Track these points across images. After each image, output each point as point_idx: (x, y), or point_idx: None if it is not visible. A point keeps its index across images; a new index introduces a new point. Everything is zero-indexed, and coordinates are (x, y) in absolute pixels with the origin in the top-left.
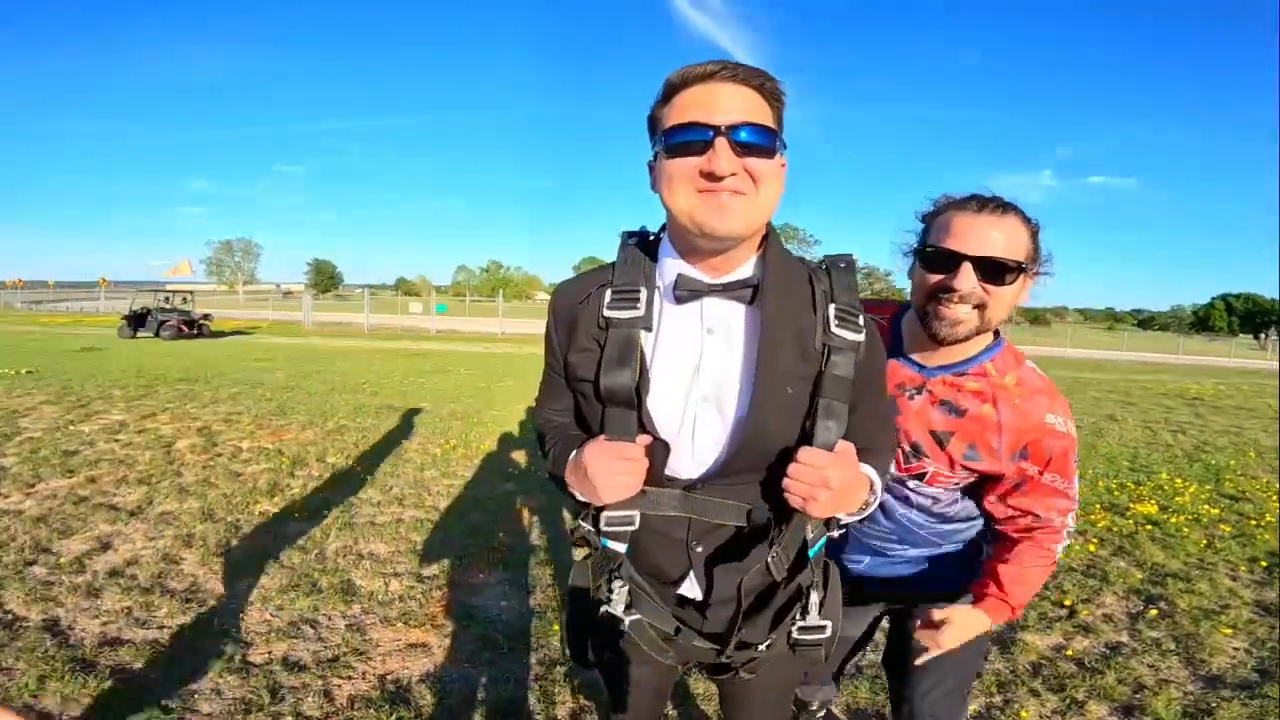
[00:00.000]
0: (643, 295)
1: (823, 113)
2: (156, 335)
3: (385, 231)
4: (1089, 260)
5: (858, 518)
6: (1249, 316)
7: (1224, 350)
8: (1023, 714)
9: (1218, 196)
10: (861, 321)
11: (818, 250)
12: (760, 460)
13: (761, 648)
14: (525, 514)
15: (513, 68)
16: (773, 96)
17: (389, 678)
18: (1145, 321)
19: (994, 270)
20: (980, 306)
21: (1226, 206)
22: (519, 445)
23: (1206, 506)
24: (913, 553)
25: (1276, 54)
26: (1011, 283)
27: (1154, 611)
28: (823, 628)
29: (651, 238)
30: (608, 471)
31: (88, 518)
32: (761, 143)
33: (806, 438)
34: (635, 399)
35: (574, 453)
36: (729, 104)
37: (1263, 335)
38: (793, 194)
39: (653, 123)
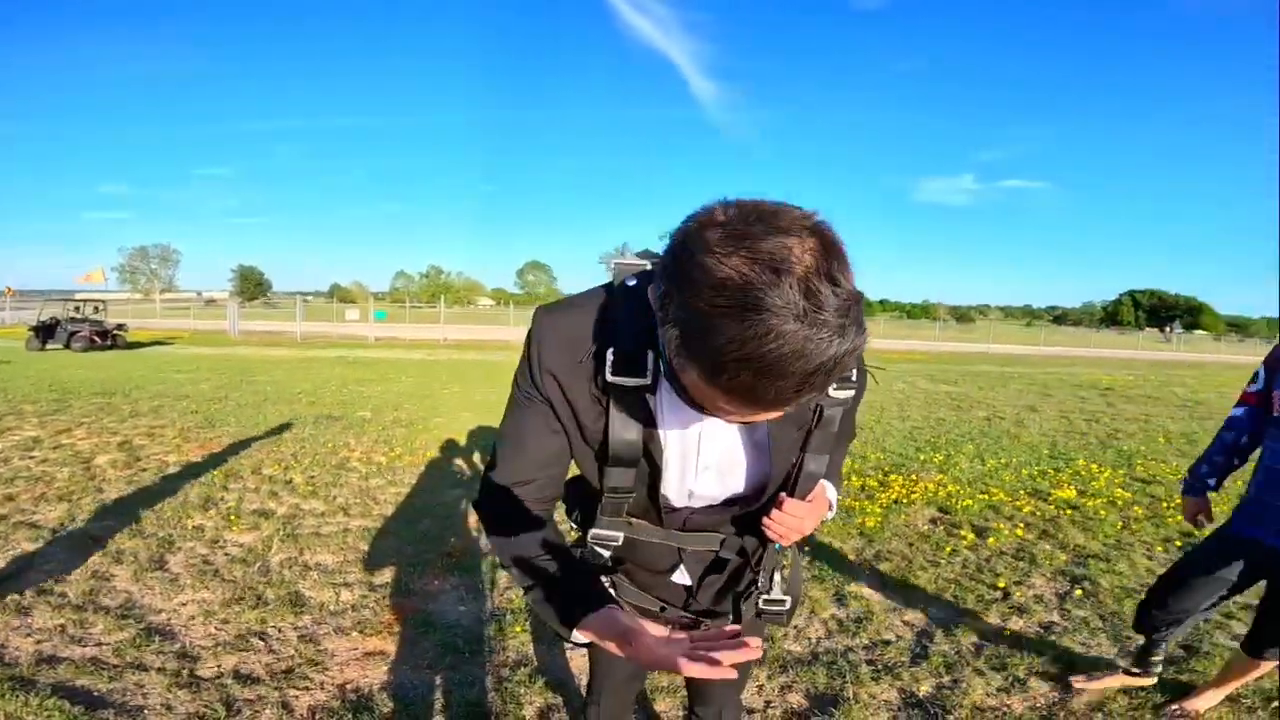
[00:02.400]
0: (649, 361)
1: (764, 118)
2: (67, 346)
3: (319, 237)
4: (1008, 260)
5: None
6: (1154, 311)
7: (1132, 343)
8: (972, 693)
9: (1122, 198)
10: (854, 377)
11: None
12: (753, 504)
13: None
14: (475, 519)
15: (453, 70)
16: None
17: (349, 687)
18: (1060, 318)
19: None
20: None
21: (1131, 207)
22: (466, 451)
23: (1120, 490)
24: None
25: None
26: None
27: (1079, 591)
28: (784, 601)
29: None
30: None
31: (8, 536)
32: None
33: (789, 482)
34: (639, 459)
35: (587, 614)
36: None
37: (1167, 328)
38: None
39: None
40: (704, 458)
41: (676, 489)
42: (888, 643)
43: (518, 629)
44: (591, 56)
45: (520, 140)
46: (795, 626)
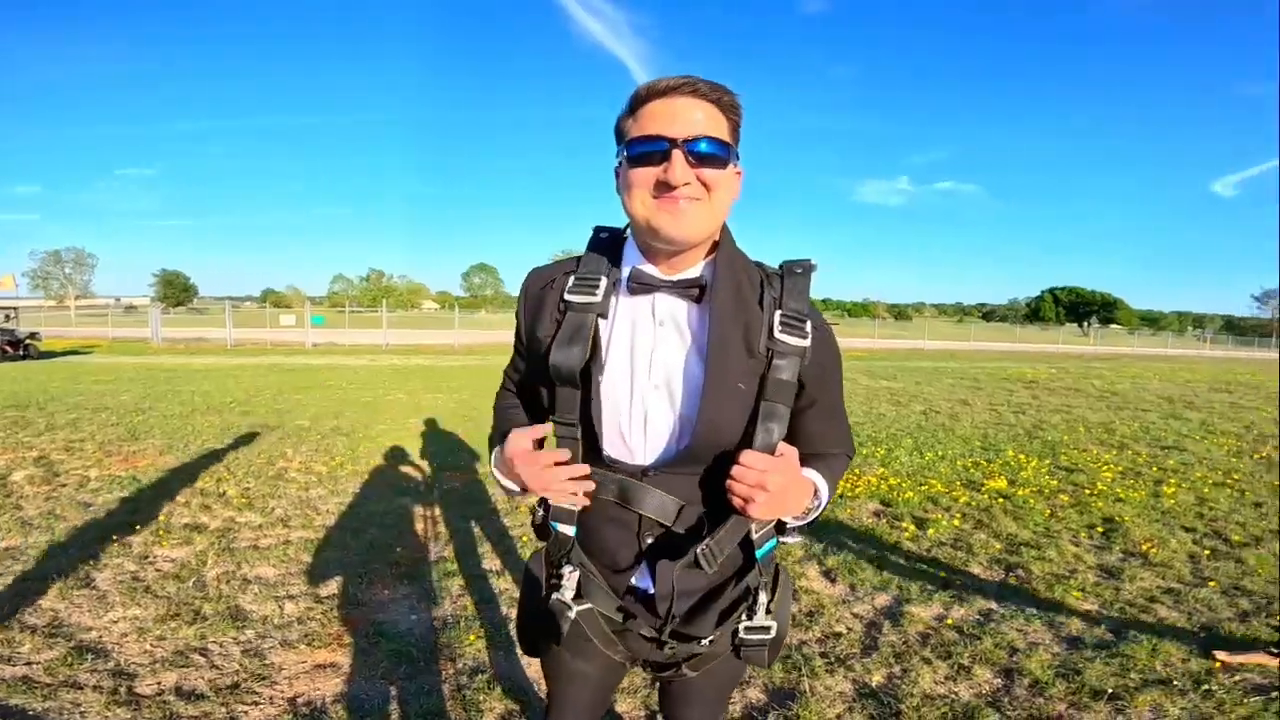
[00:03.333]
0: (602, 284)
1: None
2: None
3: (249, 240)
4: (941, 259)
5: (805, 522)
6: (1073, 307)
7: (1054, 338)
8: (920, 681)
9: (1046, 199)
10: (809, 327)
11: None
12: (709, 451)
13: (705, 642)
14: (424, 526)
15: (398, 70)
16: (730, 110)
17: (300, 700)
18: (988, 314)
19: None
20: None
21: (1053, 208)
22: (412, 459)
23: (1047, 479)
24: None
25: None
26: None
27: (1014, 579)
28: (768, 628)
29: (620, 235)
30: (531, 464)
31: None
32: (715, 154)
33: (748, 439)
34: (581, 380)
35: (499, 447)
36: (687, 118)
37: (1085, 323)
38: None
39: (618, 132)
40: (654, 375)
41: (630, 416)
42: (839, 635)
43: (472, 636)
44: (542, 57)
45: (467, 141)
46: None
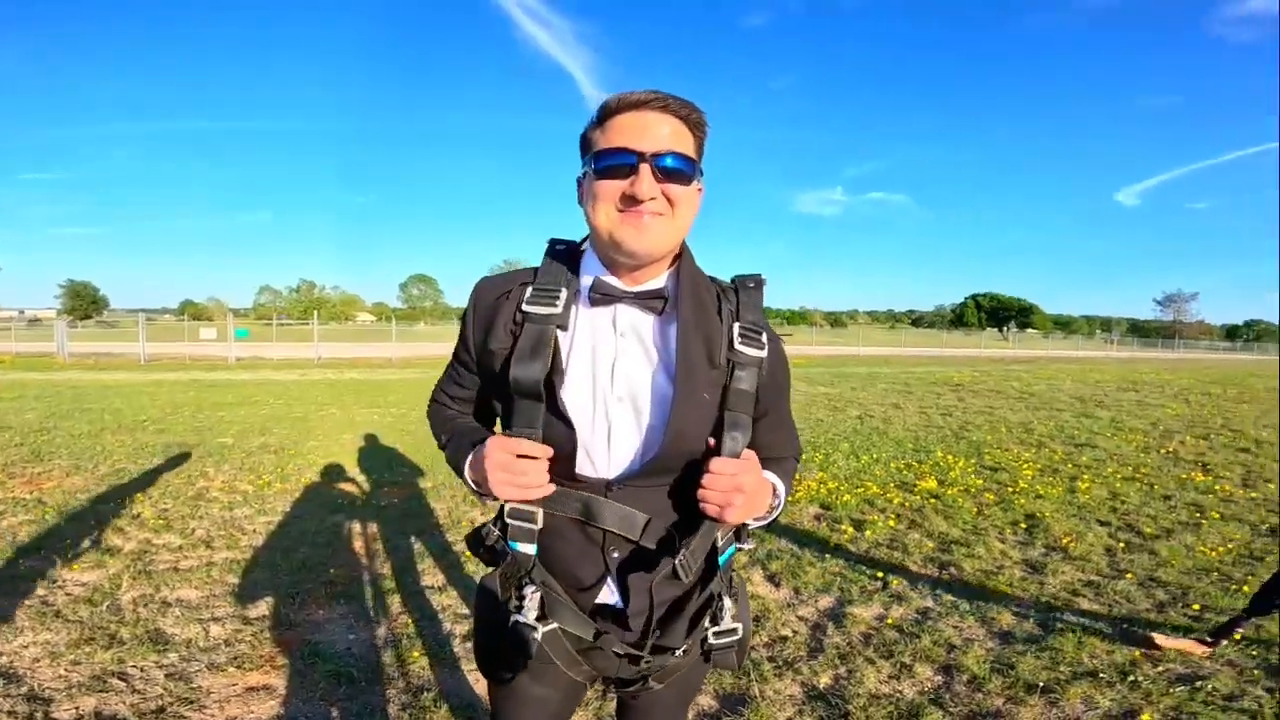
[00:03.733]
0: (561, 295)
1: None
2: None
3: (164, 250)
4: (873, 267)
5: (765, 522)
6: (994, 312)
7: (977, 342)
8: (865, 681)
9: (967, 209)
10: (764, 339)
11: None
12: (676, 462)
13: (679, 653)
14: (360, 544)
15: (331, 73)
16: (696, 127)
17: None
18: (917, 320)
19: None
20: None
21: (974, 218)
22: (348, 475)
23: (973, 478)
24: None
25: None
26: None
27: (947, 576)
28: (734, 630)
29: (578, 246)
30: (508, 468)
31: None
32: (681, 169)
33: (715, 449)
34: (544, 392)
35: (475, 448)
36: (656, 132)
37: (1004, 328)
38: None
39: (585, 142)
40: (617, 388)
41: (593, 429)
42: (785, 639)
43: (415, 654)
44: (486, 65)
45: (406, 149)
46: None
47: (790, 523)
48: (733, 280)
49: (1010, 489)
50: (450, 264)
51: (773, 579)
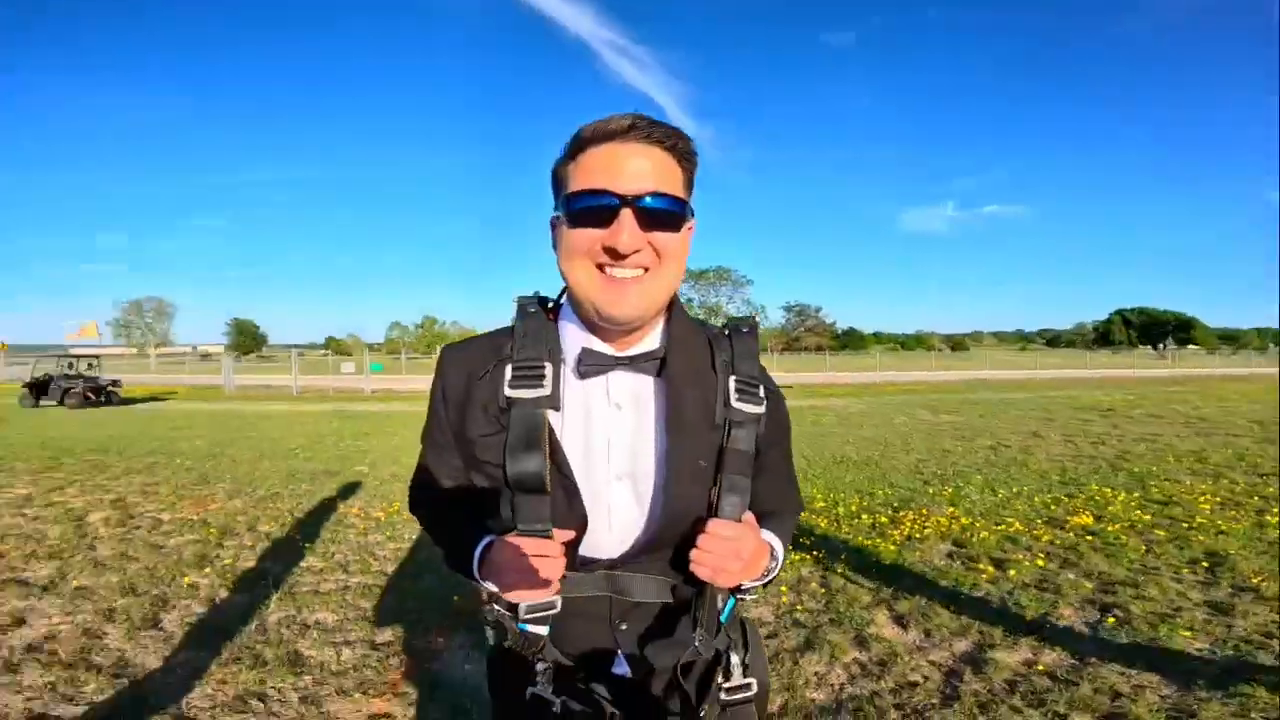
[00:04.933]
0: (548, 372)
1: (750, 157)
2: (61, 404)
3: (313, 289)
4: (995, 286)
5: (761, 583)
6: (1145, 328)
7: (1128, 362)
8: None
9: (1102, 218)
10: (762, 393)
11: (751, 290)
12: (675, 533)
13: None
14: None
15: (442, 117)
16: (685, 157)
17: None
18: (1053, 340)
19: None
20: None
21: (1112, 226)
22: None
23: (1139, 513)
24: None
25: None
26: None
27: (1111, 620)
28: (748, 685)
29: (550, 304)
30: (522, 571)
31: None
32: (670, 211)
33: (712, 512)
34: (546, 484)
35: (481, 548)
36: (637, 168)
37: (1161, 345)
38: (724, 235)
39: (556, 179)
40: (614, 466)
41: (593, 512)
42: (915, 685)
43: None
44: (579, 100)
45: (512, 186)
46: (816, 673)
47: (919, 560)
48: (724, 326)
49: (1185, 524)
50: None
51: (900, 620)
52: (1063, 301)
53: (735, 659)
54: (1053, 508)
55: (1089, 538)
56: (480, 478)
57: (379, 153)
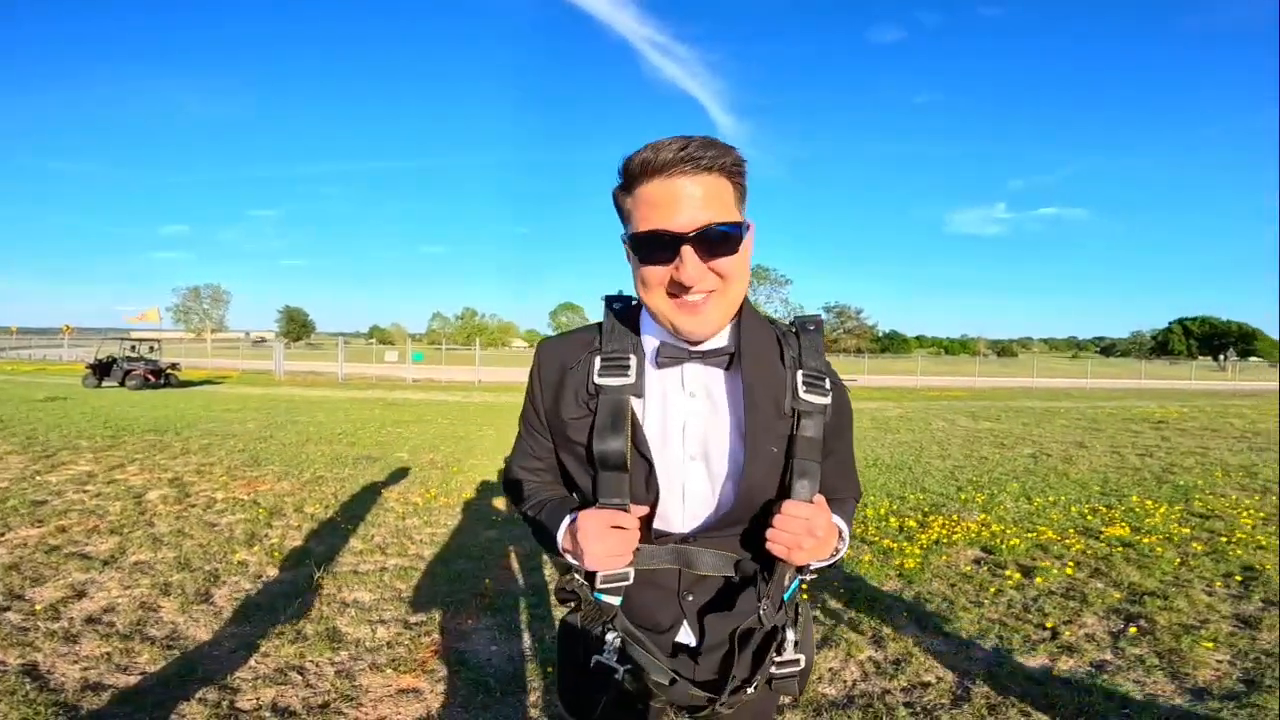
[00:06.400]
0: (632, 362)
1: (791, 154)
2: (122, 384)
3: (360, 279)
4: (1048, 290)
5: (828, 563)
6: (1207, 339)
7: (1185, 373)
8: None
9: (1166, 224)
10: (828, 385)
11: (789, 290)
12: (746, 513)
13: (750, 690)
14: (511, 560)
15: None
16: (733, 173)
17: None
18: (1107, 349)
19: None
20: None
21: (1176, 233)
22: (501, 493)
23: (1177, 526)
24: None
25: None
26: None
27: (1134, 629)
28: (797, 661)
29: (634, 303)
30: (603, 540)
31: (60, 566)
32: (727, 235)
33: (785, 494)
34: (627, 463)
35: (567, 520)
36: (689, 202)
37: (1222, 356)
38: (762, 233)
39: (618, 209)
40: (689, 447)
41: (668, 489)
42: (927, 685)
43: (550, 669)
44: (621, 98)
45: (554, 182)
46: (830, 669)
47: (945, 565)
48: (792, 323)
49: (1225, 538)
50: (597, 292)
51: (919, 622)
52: (1120, 308)
53: (791, 635)
54: (1089, 517)
55: (1122, 549)
56: (568, 456)
57: (425, 148)
